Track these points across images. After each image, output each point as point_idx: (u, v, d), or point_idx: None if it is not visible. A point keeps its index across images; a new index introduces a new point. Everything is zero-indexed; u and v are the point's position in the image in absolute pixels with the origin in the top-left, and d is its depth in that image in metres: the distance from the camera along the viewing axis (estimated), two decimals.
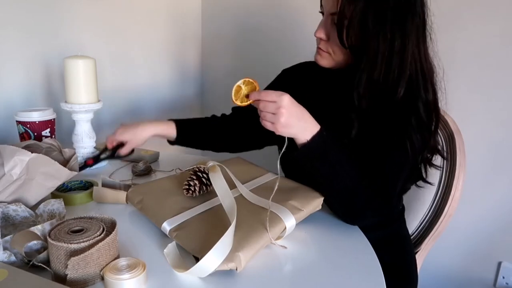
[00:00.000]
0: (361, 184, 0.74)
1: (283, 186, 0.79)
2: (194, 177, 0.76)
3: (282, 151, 0.72)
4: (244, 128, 1.06)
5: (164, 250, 0.62)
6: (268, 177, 0.84)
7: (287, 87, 0.99)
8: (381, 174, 0.75)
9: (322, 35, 0.82)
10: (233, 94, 0.73)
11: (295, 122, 0.71)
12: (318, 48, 0.85)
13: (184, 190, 0.75)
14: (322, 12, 0.85)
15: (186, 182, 0.75)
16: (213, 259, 0.55)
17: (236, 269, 0.57)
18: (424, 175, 0.87)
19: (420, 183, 0.89)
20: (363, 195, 0.74)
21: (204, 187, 0.76)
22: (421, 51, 0.78)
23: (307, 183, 0.80)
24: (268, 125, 0.71)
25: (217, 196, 0.72)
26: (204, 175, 0.76)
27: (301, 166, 0.75)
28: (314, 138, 0.72)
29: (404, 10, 0.74)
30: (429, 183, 0.90)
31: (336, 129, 0.81)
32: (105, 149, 1.02)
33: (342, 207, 0.76)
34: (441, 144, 0.97)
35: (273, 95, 0.70)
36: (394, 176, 0.77)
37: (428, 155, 0.85)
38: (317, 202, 0.75)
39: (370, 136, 0.77)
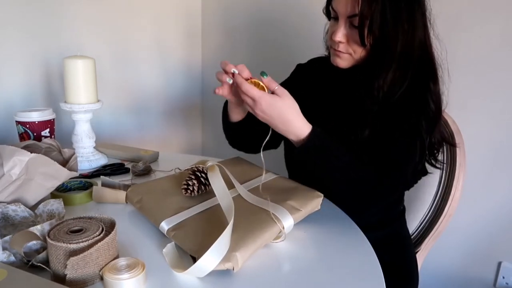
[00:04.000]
0: (365, 172, 0.76)
1: (282, 186, 0.79)
2: (193, 177, 0.75)
3: (266, 139, 0.76)
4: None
5: (163, 250, 0.62)
6: (267, 177, 0.84)
7: (302, 82, 1.02)
8: (390, 161, 0.78)
9: (342, 38, 0.82)
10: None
11: (276, 124, 0.76)
12: (337, 51, 0.85)
13: (183, 190, 0.75)
14: (332, 17, 0.86)
15: (185, 182, 0.75)
16: (210, 259, 0.55)
17: (233, 269, 0.57)
18: (433, 162, 0.91)
19: (428, 168, 0.92)
20: (368, 182, 0.76)
21: (202, 186, 0.75)
22: (426, 37, 0.83)
23: (310, 180, 0.80)
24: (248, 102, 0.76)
25: (216, 196, 0.72)
26: (203, 175, 0.76)
27: (302, 162, 0.77)
28: (310, 135, 0.75)
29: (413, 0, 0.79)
30: (437, 167, 0.93)
31: (351, 123, 0.84)
32: None
33: (348, 197, 0.78)
34: (446, 135, 0.98)
35: (254, 91, 0.75)
36: (404, 162, 0.79)
37: (435, 151, 0.88)
38: (316, 202, 0.75)
39: (384, 126, 0.80)
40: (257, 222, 0.65)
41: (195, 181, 0.75)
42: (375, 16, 0.76)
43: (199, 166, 0.78)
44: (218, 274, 0.57)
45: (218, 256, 0.56)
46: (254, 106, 0.74)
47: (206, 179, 0.75)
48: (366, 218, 0.81)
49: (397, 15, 0.77)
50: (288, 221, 0.67)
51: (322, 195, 0.76)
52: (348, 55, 0.84)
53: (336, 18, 0.83)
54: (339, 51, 0.84)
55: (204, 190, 0.76)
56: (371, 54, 0.82)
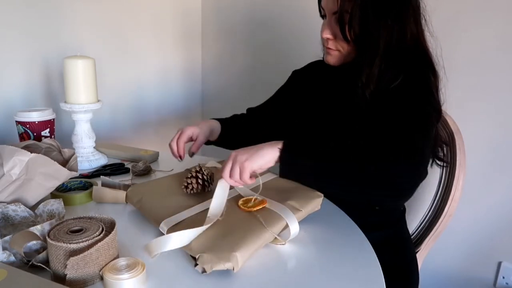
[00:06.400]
0: (372, 151, 0.70)
1: (282, 186, 0.79)
2: (193, 177, 0.76)
3: None
4: (259, 127, 1.07)
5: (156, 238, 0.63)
6: (267, 177, 0.84)
7: (299, 87, 1.02)
8: (405, 135, 0.73)
9: (328, 34, 0.84)
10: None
11: (253, 148, 0.71)
12: (327, 48, 0.87)
13: (183, 188, 0.75)
14: (322, 16, 0.88)
15: (185, 181, 0.76)
16: (162, 243, 0.59)
17: (233, 269, 0.57)
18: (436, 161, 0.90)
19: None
20: (380, 159, 0.69)
21: (200, 186, 0.76)
22: (420, 32, 0.83)
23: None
24: (242, 173, 0.70)
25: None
26: (204, 177, 0.76)
27: (302, 175, 0.74)
28: (285, 143, 0.71)
29: None
30: (444, 162, 0.92)
31: (343, 120, 0.84)
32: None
33: (366, 183, 0.70)
34: (444, 137, 0.98)
35: (226, 165, 0.71)
36: (421, 133, 0.74)
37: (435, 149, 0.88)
38: (316, 202, 0.74)
39: (385, 119, 0.78)
40: (257, 222, 0.65)
41: (193, 180, 0.75)
42: (354, 10, 0.76)
43: (199, 167, 0.79)
44: (218, 274, 0.57)
45: (178, 243, 0.60)
46: (240, 164, 0.70)
47: (207, 180, 0.76)
48: (366, 218, 0.81)
49: (379, 10, 0.76)
50: (290, 219, 0.67)
51: (322, 195, 0.76)
52: (337, 52, 0.86)
53: (325, 16, 0.85)
54: (329, 48, 0.86)
55: (207, 190, 0.76)
56: (356, 50, 0.82)
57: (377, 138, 0.73)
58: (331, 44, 0.85)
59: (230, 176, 0.71)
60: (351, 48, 0.83)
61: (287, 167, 0.72)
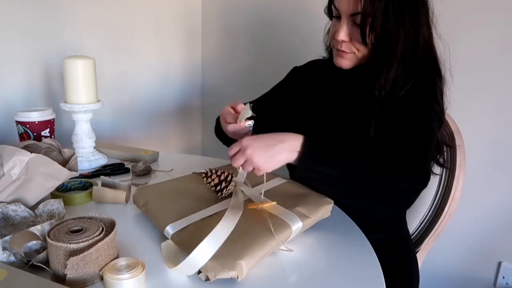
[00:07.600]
0: (383, 164, 0.72)
1: (292, 192, 0.77)
2: (220, 178, 0.77)
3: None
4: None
5: (162, 243, 0.62)
6: (276, 181, 0.82)
7: (298, 85, 1.01)
8: (409, 149, 0.76)
9: (345, 37, 0.82)
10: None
11: (271, 150, 0.69)
12: (340, 51, 0.84)
13: (204, 177, 0.78)
14: (332, 16, 0.86)
15: (210, 178, 0.78)
16: (200, 257, 0.54)
17: (238, 278, 0.55)
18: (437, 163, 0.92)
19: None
20: (391, 174, 0.71)
21: (219, 186, 0.76)
22: (430, 35, 0.83)
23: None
24: (256, 172, 0.71)
25: (223, 200, 0.71)
26: (227, 177, 0.77)
27: (316, 181, 0.74)
28: (304, 147, 0.71)
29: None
30: (444, 167, 0.96)
31: (354, 124, 0.84)
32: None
33: (376, 196, 0.73)
34: (446, 138, 0.99)
35: (234, 147, 0.71)
36: (424, 147, 0.77)
37: (437, 154, 0.89)
38: (326, 209, 0.72)
39: (392, 124, 0.79)
40: (264, 229, 0.63)
41: (216, 180, 0.76)
42: (377, 14, 0.76)
43: (228, 173, 0.78)
44: (222, 282, 0.56)
45: (210, 252, 0.55)
46: (244, 153, 0.70)
47: (222, 188, 0.76)
48: (368, 219, 0.81)
49: (399, 13, 0.77)
50: (297, 226, 0.66)
51: (332, 201, 0.74)
52: (351, 54, 0.84)
53: (338, 17, 0.83)
54: (342, 51, 0.84)
55: (220, 194, 0.76)
56: (373, 53, 0.82)
57: (385, 149, 0.75)
58: (345, 47, 0.83)
59: (241, 166, 0.71)
60: (367, 50, 0.82)
61: (304, 172, 0.72)
